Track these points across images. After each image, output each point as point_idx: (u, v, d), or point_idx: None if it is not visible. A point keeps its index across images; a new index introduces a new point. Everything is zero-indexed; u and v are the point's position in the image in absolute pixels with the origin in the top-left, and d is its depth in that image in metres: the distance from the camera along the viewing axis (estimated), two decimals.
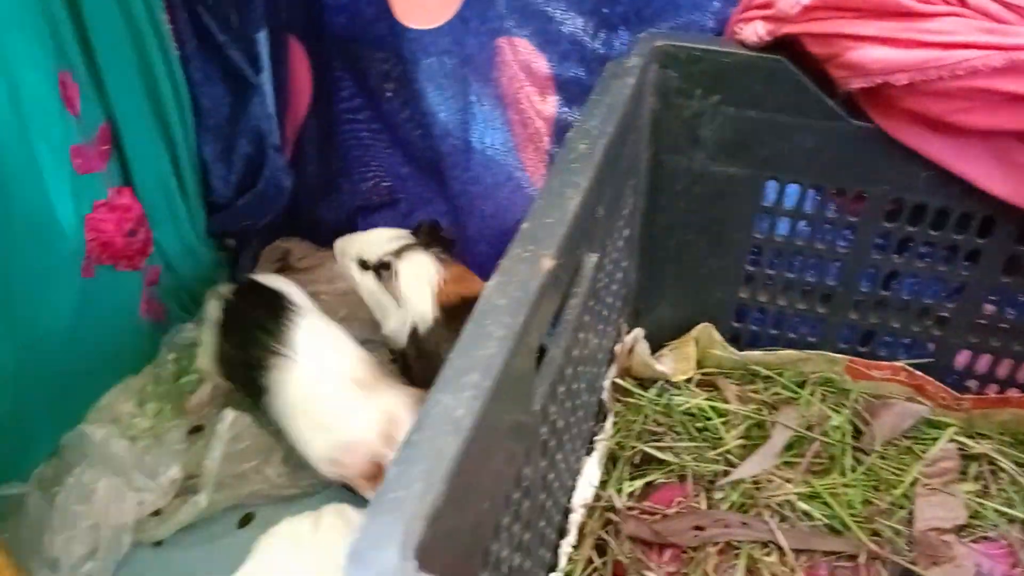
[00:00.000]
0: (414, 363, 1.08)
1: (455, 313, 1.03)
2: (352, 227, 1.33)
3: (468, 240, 1.18)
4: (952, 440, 1.01)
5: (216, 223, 1.15)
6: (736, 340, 1.09)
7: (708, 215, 1.00)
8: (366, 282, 1.11)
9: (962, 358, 1.04)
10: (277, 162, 1.08)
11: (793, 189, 0.96)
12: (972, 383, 1.05)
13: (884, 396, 1.06)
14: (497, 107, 1.09)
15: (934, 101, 0.78)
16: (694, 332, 1.10)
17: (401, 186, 1.30)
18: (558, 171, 0.70)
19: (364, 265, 1.11)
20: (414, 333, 1.06)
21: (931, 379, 1.03)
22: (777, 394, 1.08)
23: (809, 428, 1.01)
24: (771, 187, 0.96)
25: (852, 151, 0.89)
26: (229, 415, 1.03)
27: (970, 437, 1.03)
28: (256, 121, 1.02)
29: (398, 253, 1.08)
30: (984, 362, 1.02)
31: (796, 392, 1.07)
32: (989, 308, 0.98)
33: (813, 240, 0.99)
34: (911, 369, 1.04)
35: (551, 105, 1.07)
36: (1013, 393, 1.02)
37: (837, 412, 1.04)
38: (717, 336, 1.09)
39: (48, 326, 0.98)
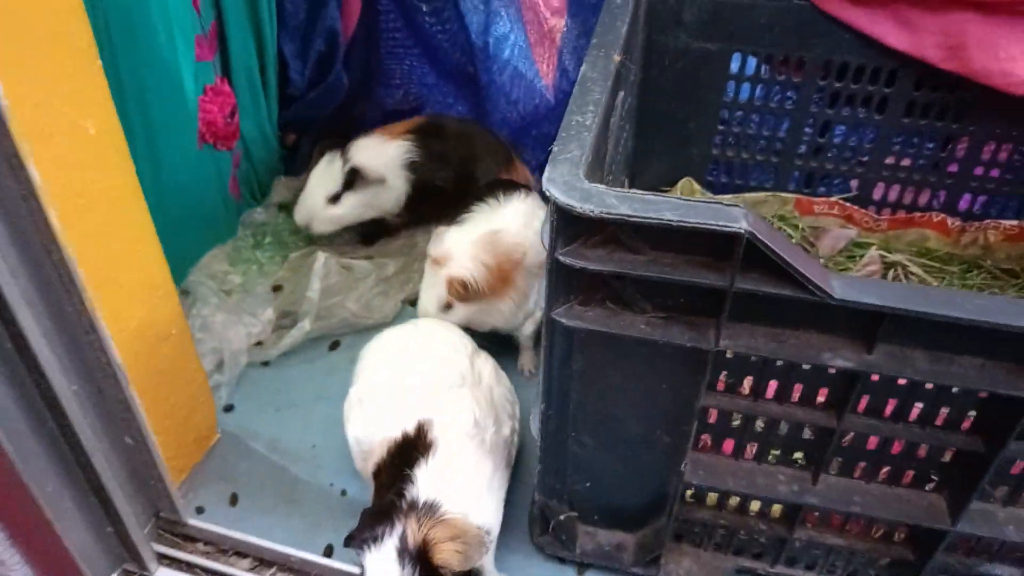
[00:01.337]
0: None
1: None
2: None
3: (493, 126, 1.45)
4: (877, 251, 1.36)
5: (288, 115, 1.39)
6: (711, 188, 1.41)
7: (688, 85, 1.30)
8: None
9: (878, 191, 1.37)
10: (341, 61, 1.33)
11: (751, 62, 1.28)
12: (886, 211, 1.39)
13: (823, 226, 1.40)
14: (516, 13, 1.37)
15: None
16: (679, 185, 1.41)
17: (427, 94, 1.56)
18: (603, 25, 0.98)
19: None
20: None
21: (857, 207, 1.37)
22: None
23: None
24: (735, 59, 1.28)
25: (794, 24, 1.21)
26: (321, 256, 1.28)
27: (888, 252, 1.37)
28: (330, 21, 1.28)
29: None
30: (894, 192, 1.36)
31: None
32: (895, 148, 1.32)
33: (767, 101, 1.31)
34: (842, 202, 1.37)
35: (561, 5, 1.36)
36: (917, 215, 1.37)
37: (791, 237, 1.37)
38: (696, 186, 1.41)
39: (171, 185, 1.21)
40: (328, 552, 1.01)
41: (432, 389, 0.98)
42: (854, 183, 1.37)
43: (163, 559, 0.94)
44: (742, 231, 0.65)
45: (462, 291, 1.12)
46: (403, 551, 0.79)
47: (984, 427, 0.77)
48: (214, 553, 0.97)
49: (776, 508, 0.92)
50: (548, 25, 1.38)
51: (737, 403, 0.82)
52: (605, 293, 0.75)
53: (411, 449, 0.92)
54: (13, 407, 0.71)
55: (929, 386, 0.75)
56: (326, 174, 1.31)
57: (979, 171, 1.30)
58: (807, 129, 1.32)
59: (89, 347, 0.76)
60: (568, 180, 0.70)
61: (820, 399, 0.80)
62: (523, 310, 1.21)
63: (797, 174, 1.38)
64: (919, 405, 0.78)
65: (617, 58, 0.87)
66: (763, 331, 0.74)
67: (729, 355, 0.77)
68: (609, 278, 0.73)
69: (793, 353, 0.74)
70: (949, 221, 1.35)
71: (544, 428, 0.88)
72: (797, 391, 0.80)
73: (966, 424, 0.78)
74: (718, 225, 0.66)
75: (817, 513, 0.91)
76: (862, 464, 0.85)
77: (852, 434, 0.82)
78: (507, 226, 1.16)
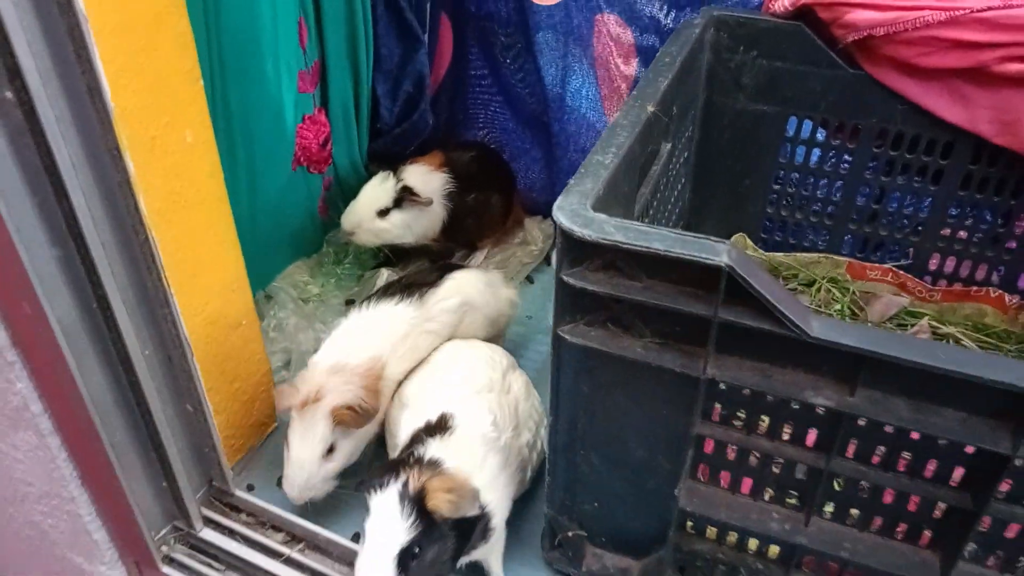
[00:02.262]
0: None
1: None
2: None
3: (560, 173, 1.55)
4: (928, 321, 1.35)
5: (377, 146, 1.55)
6: (765, 245, 1.45)
7: (745, 144, 1.36)
8: None
9: (933, 261, 1.38)
10: (428, 102, 1.48)
11: (807, 125, 1.33)
12: (942, 282, 1.38)
13: (875, 292, 1.41)
14: (590, 69, 1.47)
15: (904, 48, 1.15)
16: (732, 240, 1.46)
17: (507, 138, 1.68)
18: (647, 77, 1.07)
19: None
20: None
21: (911, 276, 1.37)
22: (794, 288, 1.43)
23: (818, 311, 1.36)
24: (792, 123, 1.33)
25: (849, 92, 1.26)
26: (384, 273, 1.40)
27: (942, 324, 1.36)
28: (419, 67, 1.42)
29: None
30: (950, 264, 1.36)
31: (808, 287, 1.42)
32: (951, 219, 1.33)
33: (822, 165, 1.35)
34: (896, 270, 1.38)
35: (632, 67, 1.45)
36: (974, 289, 1.36)
37: (839, 300, 1.39)
38: (749, 242, 1.45)
39: (265, 200, 1.37)
40: (355, 538, 1.10)
41: (460, 391, 1.07)
42: (910, 251, 1.38)
43: (208, 522, 1.06)
44: (722, 264, 0.72)
45: (353, 416, 1.04)
46: (404, 495, 0.88)
47: (971, 484, 0.79)
48: (253, 524, 1.08)
49: (773, 549, 0.94)
50: (619, 80, 1.48)
51: (731, 435, 0.86)
52: (607, 316, 0.83)
53: (430, 430, 1.01)
54: (94, 362, 0.85)
55: (915, 436, 0.78)
56: (378, 189, 1.42)
57: None
58: (862, 194, 1.35)
59: (163, 319, 0.90)
60: (575, 208, 0.78)
61: (810, 440, 0.83)
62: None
63: (851, 238, 1.40)
64: (907, 455, 0.80)
65: (651, 108, 0.96)
66: (750, 364, 0.79)
67: (722, 386, 0.82)
68: (609, 301, 0.81)
69: (778, 388, 0.78)
70: (1007, 298, 1.33)
71: (552, 440, 0.95)
72: (788, 429, 0.84)
73: (955, 480, 0.80)
74: (700, 257, 0.72)
75: (813, 558, 0.93)
76: (855, 511, 0.87)
77: (843, 479, 0.84)
78: (353, 351, 1.11)
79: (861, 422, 0.78)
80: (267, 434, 1.25)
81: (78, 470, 0.92)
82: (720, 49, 1.30)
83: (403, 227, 1.44)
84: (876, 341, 0.72)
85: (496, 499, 0.99)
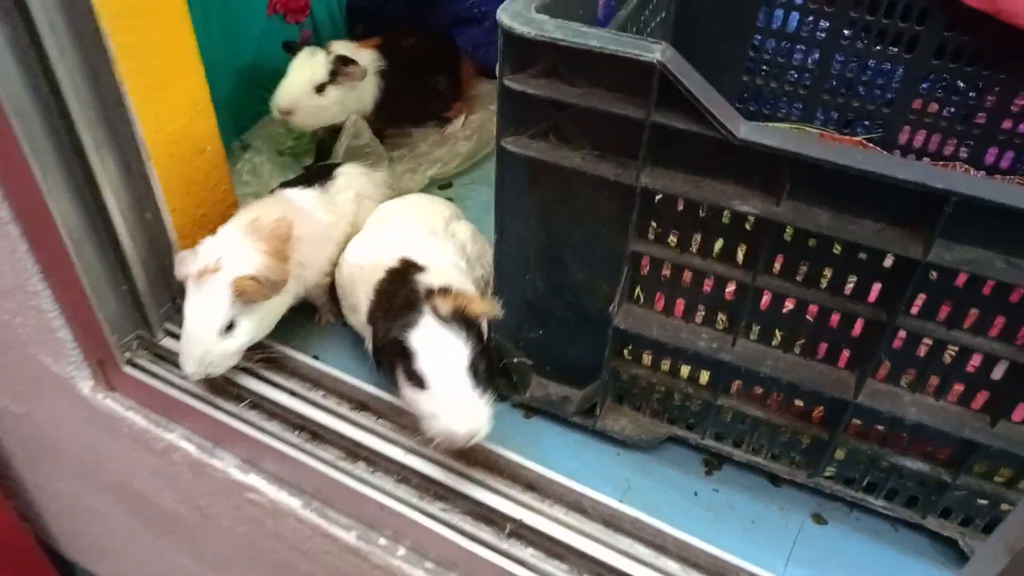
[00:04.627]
0: None
1: None
2: (449, 35, 1.71)
3: None
4: None
5: (357, 1, 1.54)
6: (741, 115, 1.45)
7: (725, 5, 1.35)
8: None
9: (903, 135, 1.38)
10: None
11: None
12: (910, 156, 1.39)
13: None
14: None
15: None
16: None
17: (491, 6, 1.66)
18: None
19: None
20: None
21: (881, 150, 1.38)
22: None
23: None
24: None
25: None
26: (352, 117, 1.41)
27: None
28: None
29: None
30: (919, 138, 1.37)
31: None
32: (923, 91, 1.32)
33: (799, 31, 1.34)
34: (866, 142, 1.39)
35: None
36: (940, 164, 1.37)
37: None
38: None
39: (240, 46, 1.37)
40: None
41: (408, 239, 1.09)
42: (880, 124, 1.38)
43: (170, 334, 1.11)
44: (655, 61, 0.73)
45: (255, 287, 0.96)
46: (445, 319, 0.89)
47: (887, 299, 0.82)
48: None
49: (704, 375, 0.98)
50: None
51: (665, 252, 0.89)
52: (549, 127, 0.84)
53: (402, 274, 1.01)
54: (54, 163, 0.88)
55: (837, 250, 0.80)
56: (309, 64, 1.34)
57: (1007, 124, 1.29)
58: (837, 62, 1.35)
59: (118, 119, 0.92)
60: (518, 10, 0.79)
61: (739, 258, 0.86)
62: (304, 279, 1.12)
63: (824, 110, 1.41)
64: (829, 272, 0.83)
65: None
66: (682, 176, 0.81)
67: (657, 200, 0.85)
68: (551, 110, 0.82)
69: (708, 197, 0.80)
70: (972, 173, 1.34)
71: (497, 261, 0.98)
72: (718, 246, 0.86)
73: (872, 296, 0.83)
74: (633, 53, 0.74)
75: (740, 382, 0.97)
76: (779, 332, 0.90)
77: (769, 297, 0.88)
78: (264, 212, 1.06)
79: (787, 237, 0.81)
80: None
81: (39, 263, 0.96)
82: None
83: (339, 104, 1.39)
84: (799, 144, 0.73)
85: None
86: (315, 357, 1.12)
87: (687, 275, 0.90)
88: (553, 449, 1.07)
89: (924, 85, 1.31)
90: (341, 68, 1.36)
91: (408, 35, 1.58)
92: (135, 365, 1.07)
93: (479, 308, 0.91)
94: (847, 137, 1.40)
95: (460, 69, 1.64)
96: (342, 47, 1.40)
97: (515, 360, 1.08)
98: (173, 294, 1.12)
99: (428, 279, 0.98)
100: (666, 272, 0.91)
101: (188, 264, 0.96)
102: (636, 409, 1.07)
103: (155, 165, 0.98)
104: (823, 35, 1.33)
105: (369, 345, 1.03)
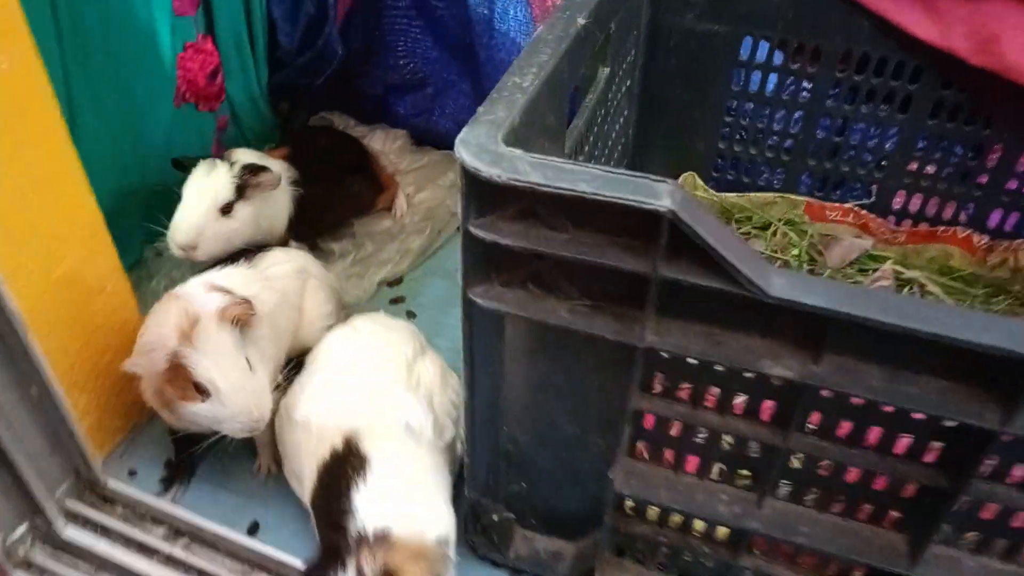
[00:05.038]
0: None
1: None
2: (386, 104, 1.54)
3: None
4: (892, 266, 1.24)
5: (278, 79, 1.35)
6: (717, 185, 1.31)
7: (695, 70, 1.21)
8: None
9: (898, 200, 1.26)
10: (334, 26, 1.28)
11: (763, 47, 1.18)
12: (907, 222, 1.27)
13: (835, 235, 1.29)
14: None
15: None
16: (680, 180, 1.32)
17: (430, 69, 1.50)
18: None
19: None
20: None
21: (873, 216, 1.26)
22: (747, 232, 1.30)
23: (773, 256, 1.24)
24: (746, 44, 1.18)
25: (809, 8, 1.11)
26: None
27: (905, 268, 1.25)
28: None
29: None
30: (916, 202, 1.25)
31: (763, 230, 1.29)
32: (919, 152, 1.20)
33: (779, 92, 1.21)
34: (857, 209, 1.26)
35: None
36: (940, 229, 1.25)
37: (796, 245, 1.26)
38: (700, 182, 1.31)
39: (148, 141, 1.18)
40: (252, 529, 0.96)
41: (361, 395, 0.90)
42: (873, 189, 1.26)
43: (75, 518, 0.91)
44: (664, 210, 0.58)
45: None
46: None
47: (949, 461, 0.67)
48: (130, 517, 0.93)
49: (722, 531, 0.83)
50: (550, 3, 1.31)
51: (675, 409, 0.73)
52: (526, 274, 0.68)
53: (342, 468, 0.83)
54: None
55: (889, 409, 0.66)
56: (212, 180, 1.10)
57: (1012, 185, 1.17)
58: (822, 126, 1.22)
59: None
60: (482, 143, 0.63)
61: (766, 413, 0.71)
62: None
63: (810, 176, 1.28)
64: (877, 429, 0.68)
65: (581, 21, 0.80)
66: (697, 329, 0.66)
67: (664, 354, 0.69)
68: (528, 257, 0.66)
69: (730, 357, 0.65)
70: (975, 238, 1.23)
71: (469, 420, 0.82)
72: (740, 402, 0.71)
73: (930, 456, 0.68)
74: (637, 201, 0.58)
75: (765, 539, 0.82)
76: (814, 491, 0.76)
77: (803, 456, 0.73)
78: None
79: (826, 393, 0.66)
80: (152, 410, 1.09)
81: None
82: None
83: (252, 223, 1.14)
84: (846, 300, 0.59)
85: (446, 516, 0.85)
86: (252, 529, 0.94)
87: (701, 432, 0.75)
88: None
89: (920, 145, 1.19)
90: (250, 179, 1.11)
91: (317, 137, 1.39)
92: (31, 566, 0.87)
93: (414, 574, 0.73)
94: (836, 204, 1.27)
95: (371, 164, 1.43)
96: (246, 155, 1.16)
97: (495, 518, 0.91)
98: (75, 467, 0.92)
99: (365, 505, 0.79)
100: (675, 429, 0.76)
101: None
102: (639, 563, 0.91)
103: (44, 319, 0.79)
104: (806, 96, 1.20)
105: (315, 526, 0.85)
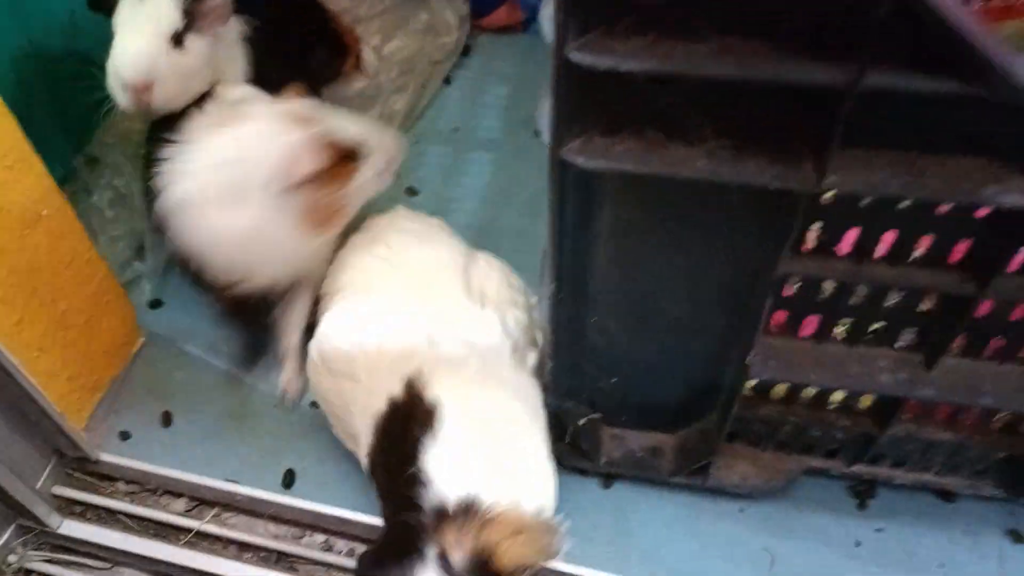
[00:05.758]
0: None
1: None
2: None
3: None
4: None
5: None
6: None
7: None
8: None
9: None
10: None
11: None
12: None
13: None
14: None
15: None
16: None
17: None
18: None
19: None
20: None
21: None
22: None
23: None
24: None
25: None
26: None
27: None
28: None
29: None
30: None
31: None
32: None
33: None
34: None
35: None
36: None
37: None
38: None
39: (54, 22, 0.91)
40: (288, 480, 0.79)
41: (415, 325, 0.70)
42: None
43: (71, 506, 0.73)
44: None
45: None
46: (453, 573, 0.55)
47: None
48: (138, 493, 0.75)
49: (866, 399, 0.70)
50: None
51: (833, 267, 0.57)
52: (644, 115, 0.49)
53: (407, 424, 0.64)
54: None
55: None
56: (151, 7, 0.86)
57: None
58: None
59: None
60: None
61: (956, 254, 0.55)
62: None
63: None
64: None
65: None
66: (890, 159, 0.48)
67: (827, 198, 0.52)
68: (650, 87, 0.46)
69: (938, 190, 0.48)
70: None
71: (555, 315, 0.64)
72: (923, 246, 0.55)
73: None
74: None
75: (919, 402, 0.69)
76: (996, 342, 0.61)
77: (992, 303, 0.58)
78: None
79: None
80: (132, 354, 0.89)
81: None
82: None
83: (206, 60, 0.89)
84: None
85: (544, 474, 0.68)
86: (288, 480, 0.78)
87: (861, 290, 0.59)
88: (652, 528, 0.80)
89: None
90: (197, 7, 0.88)
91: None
92: (29, 574, 0.70)
93: (514, 556, 0.56)
94: None
95: (333, 26, 1.16)
96: None
97: (581, 422, 0.76)
98: (54, 446, 0.73)
99: (439, 474, 0.60)
100: (827, 292, 0.60)
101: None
102: (754, 445, 0.78)
103: None
104: None
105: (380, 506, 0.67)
